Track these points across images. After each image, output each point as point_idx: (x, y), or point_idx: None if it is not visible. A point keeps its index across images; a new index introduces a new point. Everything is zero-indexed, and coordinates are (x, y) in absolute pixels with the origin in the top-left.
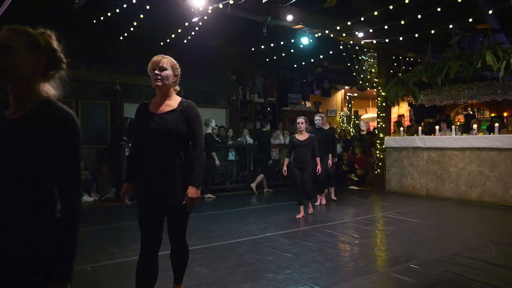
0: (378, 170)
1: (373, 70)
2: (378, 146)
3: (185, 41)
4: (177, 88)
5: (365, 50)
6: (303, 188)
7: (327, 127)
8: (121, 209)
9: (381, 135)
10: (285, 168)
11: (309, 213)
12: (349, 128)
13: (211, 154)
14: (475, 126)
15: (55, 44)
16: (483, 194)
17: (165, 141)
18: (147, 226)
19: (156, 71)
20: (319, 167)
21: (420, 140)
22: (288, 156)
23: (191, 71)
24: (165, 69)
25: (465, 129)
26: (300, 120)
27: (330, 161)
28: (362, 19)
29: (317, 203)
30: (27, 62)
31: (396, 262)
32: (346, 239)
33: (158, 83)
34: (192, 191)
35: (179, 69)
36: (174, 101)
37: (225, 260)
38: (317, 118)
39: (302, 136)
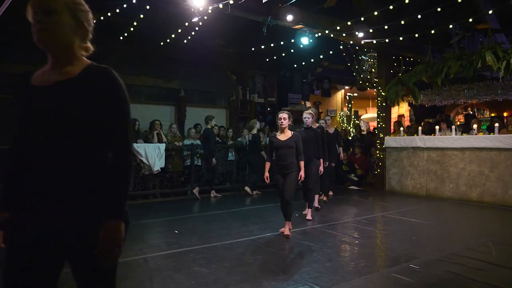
0: (378, 170)
1: (373, 70)
2: (378, 146)
3: (185, 41)
4: (90, 46)
5: (365, 50)
6: (283, 195)
7: (315, 126)
8: None
9: (381, 135)
10: (266, 174)
11: (285, 234)
12: (349, 128)
13: (261, 153)
14: (475, 126)
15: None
16: (483, 194)
17: (55, 136)
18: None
19: (39, 16)
20: (302, 173)
21: (420, 140)
22: (269, 160)
23: (191, 71)
24: (53, 11)
25: (465, 129)
26: (282, 115)
27: (321, 168)
28: (362, 19)
29: (305, 212)
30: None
31: (396, 262)
32: (346, 239)
33: (39, 36)
34: (110, 228)
35: (89, 13)
36: (76, 66)
37: (225, 260)
38: (305, 115)
39: (284, 136)
